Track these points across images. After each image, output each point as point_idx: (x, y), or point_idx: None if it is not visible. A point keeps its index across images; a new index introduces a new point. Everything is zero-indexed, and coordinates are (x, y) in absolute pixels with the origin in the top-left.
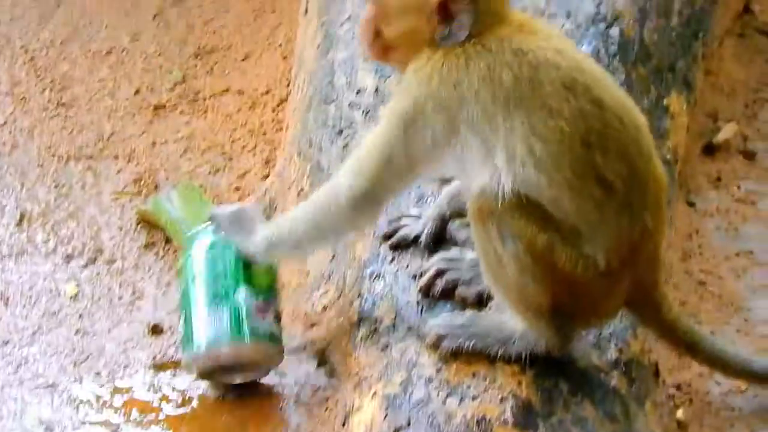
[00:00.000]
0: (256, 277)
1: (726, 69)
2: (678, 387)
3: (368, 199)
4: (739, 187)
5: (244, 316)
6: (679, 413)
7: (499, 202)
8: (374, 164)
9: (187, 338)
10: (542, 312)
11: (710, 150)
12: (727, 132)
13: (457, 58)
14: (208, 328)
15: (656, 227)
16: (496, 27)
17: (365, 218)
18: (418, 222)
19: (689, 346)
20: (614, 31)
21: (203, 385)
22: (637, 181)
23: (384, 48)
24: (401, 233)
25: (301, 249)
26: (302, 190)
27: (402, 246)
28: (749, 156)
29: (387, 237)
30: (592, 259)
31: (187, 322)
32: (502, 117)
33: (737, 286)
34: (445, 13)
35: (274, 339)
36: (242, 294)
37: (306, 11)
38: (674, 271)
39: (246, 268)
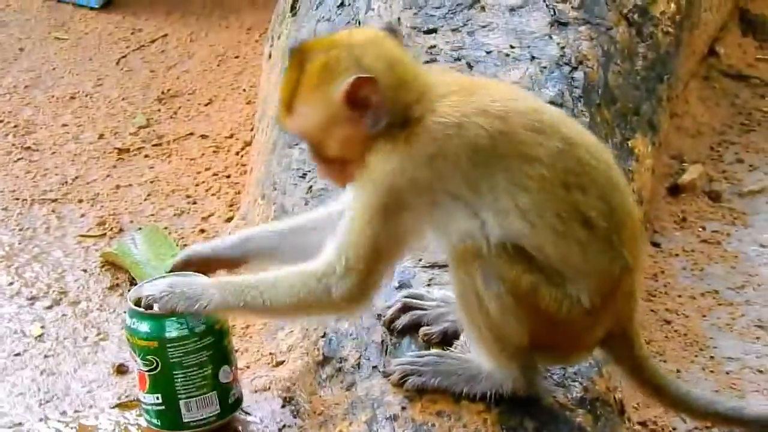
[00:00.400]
0: (229, 351)
1: (691, 111)
2: (643, 424)
3: (362, 290)
4: (704, 228)
5: (227, 394)
6: None
7: (484, 248)
8: (363, 257)
9: (172, 416)
10: (514, 353)
11: (675, 191)
12: (692, 173)
13: (421, 137)
14: (199, 411)
15: (634, 262)
16: (434, 95)
17: (358, 306)
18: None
19: (656, 388)
20: (579, 75)
21: None
22: (615, 217)
23: (341, 169)
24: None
25: (274, 317)
26: None
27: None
28: (714, 197)
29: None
30: (576, 299)
31: (170, 402)
32: (484, 178)
33: (702, 325)
34: (357, 105)
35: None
36: (223, 372)
37: (269, 56)
38: (640, 310)
39: (218, 347)
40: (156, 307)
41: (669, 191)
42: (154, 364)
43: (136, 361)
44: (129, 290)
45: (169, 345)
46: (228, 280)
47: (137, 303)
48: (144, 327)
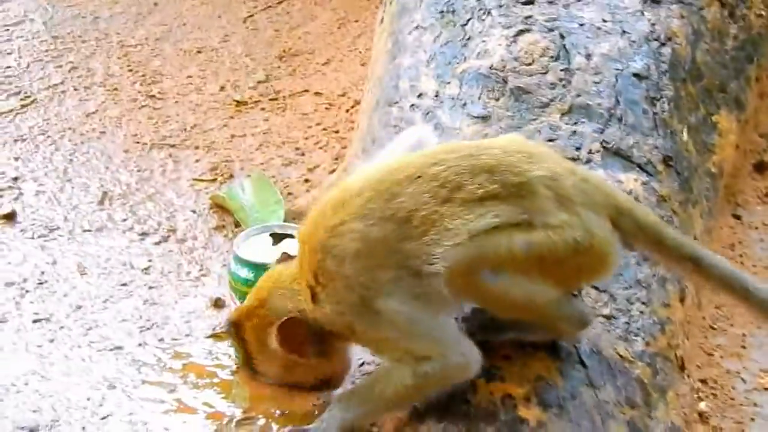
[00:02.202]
0: None
1: None
2: (704, 381)
3: (455, 359)
4: None
5: None
6: (702, 405)
7: (465, 267)
8: (423, 342)
9: None
10: (557, 306)
11: (761, 168)
12: None
13: (326, 273)
14: None
15: (555, 167)
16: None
17: (469, 367)
18: None
19: (693, 261)
20: (666, 50)
21: None
22: (498, 171)
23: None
24: None
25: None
26: None
27: None
28: None
29: None
30: (552, 225)
31: None
32: (395, 253)
33: None
34: (295, 347)
35: None
36: None
37: (381, 20)
38: None
39: None
40: None
41: (755, 168)
42: None
43: (235, 302)
44: (235, 234)
45: None
46: (347, 414)
47: None
48: (247, 274)
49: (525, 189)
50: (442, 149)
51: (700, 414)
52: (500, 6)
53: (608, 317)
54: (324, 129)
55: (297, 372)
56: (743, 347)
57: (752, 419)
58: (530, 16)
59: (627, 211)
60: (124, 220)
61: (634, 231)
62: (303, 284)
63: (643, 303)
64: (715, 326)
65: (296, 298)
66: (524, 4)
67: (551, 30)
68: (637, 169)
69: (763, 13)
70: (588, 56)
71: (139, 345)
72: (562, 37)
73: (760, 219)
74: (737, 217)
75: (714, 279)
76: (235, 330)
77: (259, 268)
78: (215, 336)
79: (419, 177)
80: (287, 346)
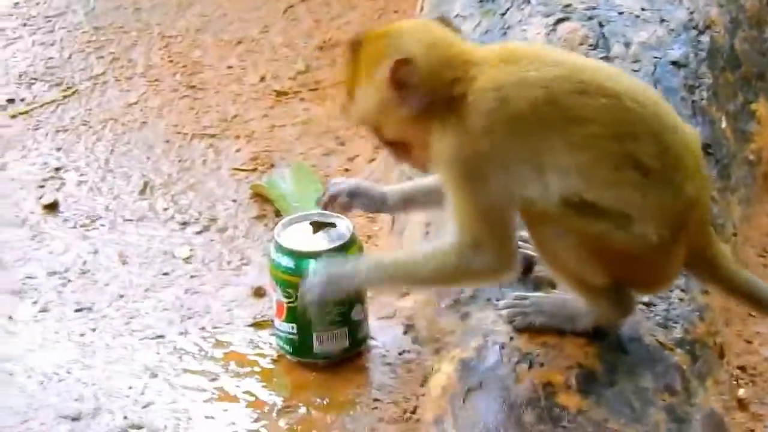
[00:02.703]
0: (363, 291)
1: None
2: (742, 368)
3: (500, 257)
4: None
5: (357, 331)
6: (741, 392)
7: (550, 208)
8: (481, 230)
9: (304, 346)
10: (602, 291)
11: None
12: None
13: (469, 113)
14: (329, 344)
15: (699, 192)
16: (473, 67)
17: (506, 271)
18: None
19: (750, 297)
20: (705, 38)
21: None
22: (670, 155)
23: (405, 151)
24: None
25: (426, 290)
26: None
27: None
28: None
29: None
30: (644, 237)
31: (303, 332)
32: (540, 141)
33: None
34: (401, 87)
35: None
36: (355, 311)
37: (421, 9)
38: (751, 264)
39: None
40: (315, 302)
41: None
42: (294, 297)
43: (276, 290)
44: (275, 223)
45: None
46: (376, 262)
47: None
48: (287, 262)
49: (671, 190)
50: (644, 92)
51: (740, 401)
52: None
53: (647, 304)
54: None
55: (386, 119)
56: None
57: None
58: (569, 5)
59: (710, 260)
60: (165, 209)
61: (708, 277)
62: (444, 72)
63: (682, 290)
64: (754, 314)
65: (429, 59)
66: None
67: (590, 18)
68: None
69: None
70: (627, 44)
71: (181, 333)
72: (601, 25)
73: None
74: None
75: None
76: (354, 49)
77: (299, 257)
78: (256, 324)
79: (614, 98)
80: (395, 85)
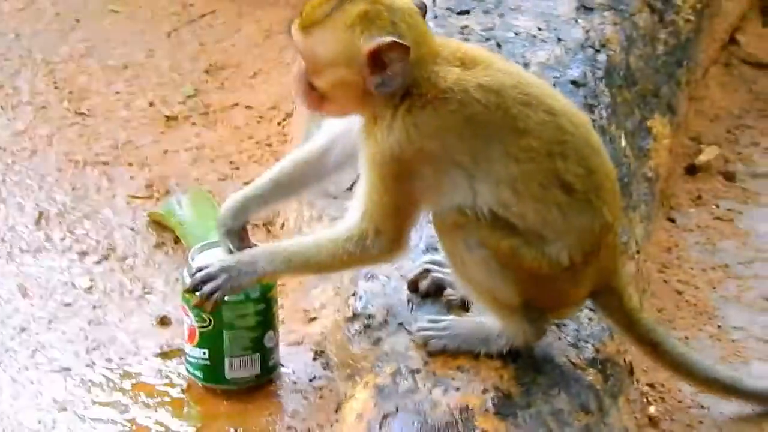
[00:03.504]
0: (275, 318)
1: (711, 96)
2: (651, 385)
3: (395, 244)
4: (718, 206)
5: (268, 358)
6: (651, 409)
7: (467, 217)
8: (387, 219)
9: (216, 371)
10: (514, 309)
11: (692, 170)
12: (708, 154)
13: (425, 109)
14: (241, 370)
15: (615, 218)
16: (436, 65)
17: (396, 256)
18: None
19: (652, 345)
20: (602, 57)
21: None
22: (593, 178)
23: (317, 99)
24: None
25: (322, 275)
26: None
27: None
28: (729, 177)
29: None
30: (555, 258)
31: (215, 358)
32: (482, 149)
33: (712, 296)
34: (377, 63)
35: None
36: (267, 337)
37: None
38: (653, 280)
39: (268, 313)
40: (217, 294)
41: (686, 170)
42: (207, 322)
43: (188, 315)
44: (175, 250)
45: (225, 306)
46: (273, 251)
47: (194, 288)
48: None
49: (590, 214)
50: (577, 115)
51: (650, 418)
52: (436, 17)
53: (558, 325)
54: (257, 142)
55: (328, 76)
56: None
57: (700, 422)
58: (466, 26)
59: (618, 292)
60: (63, 239)
61: (613, 310)
62: (417, 68)
63: (591, 309)
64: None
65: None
66: (459, 14)
67: (488, 39)
68: None
69: (691, 17)
70: (525, 65)
71: (87, 365)
72: (499, 46)
73: (694, 221)
74: (672, 221)
75: (667, 361)
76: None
77: None
78: (163, 354)
79: (553, 115)
80: (373, 58)
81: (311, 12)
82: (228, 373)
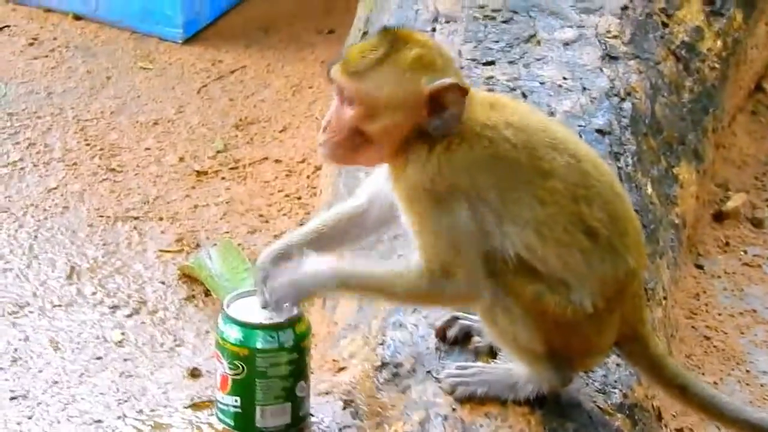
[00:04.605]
0: (308, 367)
1: (738, 143)
2: (680, 430)
3: (469, 281)
4: (746, 252)
5: (299, 407)
6: None
7: (495, 264)
8: (451, 255)
9: (247, 419)
10: (539, 356)
11: (720, 217)
12: (736, 201)
13: (460, 146)
14: (272, 419)
15: (639, 265)
16: (474, 109)
17: (476, 293)
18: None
19: (680, 389)
20: (627, 105)
21: None
22: (617, 224)
23: (355, 147)
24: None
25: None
26: None
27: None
28: (757, 224)
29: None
30: (579, 304)
31: (247, 406)
32: (510, 188)
33: (740, 341)
34: (436, 104)
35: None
36: (299, 386)
37: None
38: (681, 326)
39: (300, 363)
40: (287, 304)
41: (714, 217)
42: (240, 369)
43: (221, 362)
44: (205, 303)
45: (258, 354)
46: (347, 271)
47: (263, 306)
48: (236, 334)
49: (613, 260)
50: (601, 163)
51: None
52: (461, 67)
53: (586, 371)
54: (286, 196)
55: (378, 119)
56: None
57: None
58: (492, 77)
59: (642, 340)
60: (94, 293)
61: (639, 357)
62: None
63: (618, 355)
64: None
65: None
66: (485, 64)
67: (513, 89)
68: None
69: (716, 65)
70: (551, 113)
71: (119, 417)
72: (524, 96)
73: (721, 268)
74: (700, 267)
75: (696, 403)
76: (389, 37)
77: (248, 328)
78: (194, 406)
79: (577, 161)
80: (433, 100)
81: (360, 56)
82: (258, 421)
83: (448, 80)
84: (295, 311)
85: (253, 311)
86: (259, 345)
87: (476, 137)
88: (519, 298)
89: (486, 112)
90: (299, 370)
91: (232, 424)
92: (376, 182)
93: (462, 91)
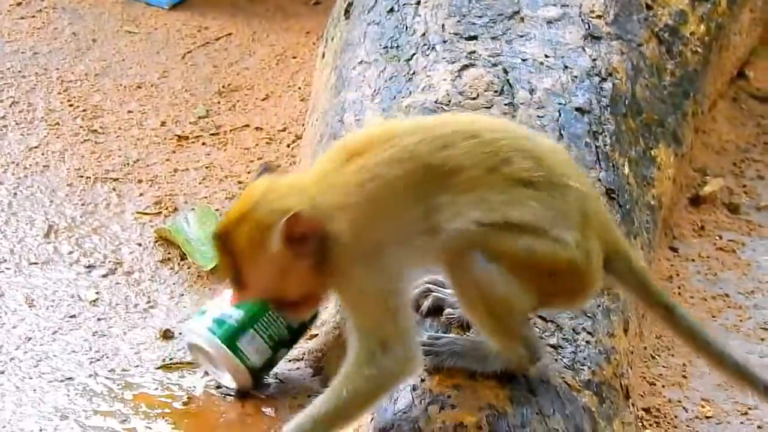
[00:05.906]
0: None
1: (718, 129)
2: (647, 410)
3: (411, 347)
4: (720, 237)
5: (270, 364)
6: None
7: (472, 236)
8: (372, 324)
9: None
10: (514, 337)
11: (696, 201)
12: (713, 186)
13: (342, 250)
14: (251, 349)
15: (582, 184)
16: (320, 206)
17: (419, 361)
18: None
19: (666, 309)
20: (607, 85)
21: (208, 385)
22: (544, 164)
23: (305, 300)
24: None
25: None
26: None
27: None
28: (733, 209)
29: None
30: (562, 241)
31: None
32: (429, 199)
33: (711, 325)
34: (297, 243)
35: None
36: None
37: (323, 56)
38: None
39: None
40: None
41: (690, 201)
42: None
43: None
44: (179, 265)
45: None
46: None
47: None
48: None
49: (560, 192)
50: (501, 123)
51: None
52: (444, 42)
53: (555, 347)
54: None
55: (288, 282)
56: (684, 377)
57: None
58: (474, 51)
59: (624, 254)
60: (71, 252)
61: (624, 274)
62: (322, 187)
63: (589, 333)
64: (657, 356)
65: (303, 195)
66: (468, 39)
67: (495, 65)
68: None
69: (698, 49)
70: (531, 91)
71: (90, 376)
72: (505, 72)
73: (696, 251)
74: (674, 250)
75: (682, 328)
76: (222, 242)
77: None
78: (165, 367)
79: (475, 138)
80: (292, 244)
81: (229, 277)
82: (241, 343)
83: (279, 226)
84: None
85: None
86: None
87: (363, 201)
88: (512, 259)
89: (372, 151)
90: (294, 340)
91: (219, 333)
92: None
93: (293, 219)
